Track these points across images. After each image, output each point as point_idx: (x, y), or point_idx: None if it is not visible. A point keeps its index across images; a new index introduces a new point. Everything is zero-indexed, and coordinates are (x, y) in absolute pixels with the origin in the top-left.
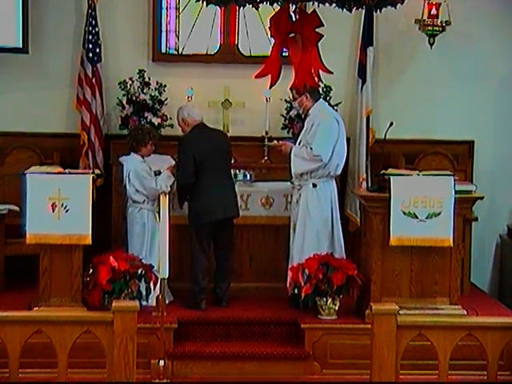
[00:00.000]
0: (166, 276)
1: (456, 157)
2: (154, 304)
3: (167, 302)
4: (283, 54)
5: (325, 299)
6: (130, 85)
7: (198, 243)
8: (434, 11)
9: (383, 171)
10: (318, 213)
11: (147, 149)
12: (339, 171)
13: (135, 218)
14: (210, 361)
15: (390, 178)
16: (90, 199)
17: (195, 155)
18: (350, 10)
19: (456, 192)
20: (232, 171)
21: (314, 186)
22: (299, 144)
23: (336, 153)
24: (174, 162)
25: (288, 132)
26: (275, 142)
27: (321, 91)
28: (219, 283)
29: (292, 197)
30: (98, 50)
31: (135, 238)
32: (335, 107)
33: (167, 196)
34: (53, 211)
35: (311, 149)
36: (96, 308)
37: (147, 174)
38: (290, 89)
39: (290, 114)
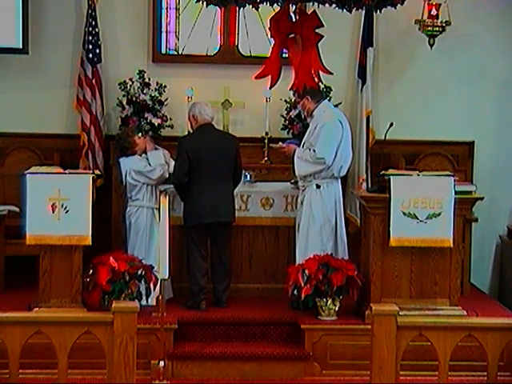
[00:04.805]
0: (166, 276)
1: (456, 157)
2: (154, 304)
3: (166, 298)
4: (283, 54)
5: (325, 300)
6: (130, 85)
7: (192, 243)
8: (434, 12)
9: (383, 172)
10: (321, 213)
11: (139, 145)
12: (343, 172)
13: (133, 217)
14: (210, 361)
15: (389, 179)
16: (89, 200)
17: (190, 155)
18: (350, 11)
19: (456, 192)
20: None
21: (318, 186)
22: (303, 146)
23: (340, 155)
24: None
25: (288, 133)
26: (280, 143)
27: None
28: (216, 285)
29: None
30: (97, 51)
31: (133, 236)
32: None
33: (167, 196)
34: (53, 212)
35: (314, 151)
36: (96, 309)
37: (150, 167)
38: (293, 92)
39: (290, 114)
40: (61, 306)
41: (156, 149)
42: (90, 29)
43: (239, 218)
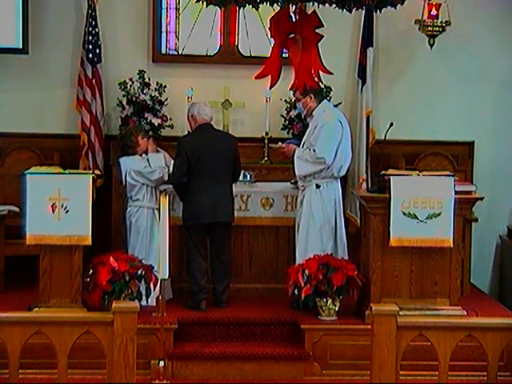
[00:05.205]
0: (166, 276)
1: (456, 157)
2: (154, 304)
3: (166, 298)
4: (283, 54)
5: (325, 300)
6: (130, 85)
7: (191, 244)
8: (434, 12)
9: (383, 172)
10: (321, 213)
11: (141, 145)
12: (343, 172)
13: (134, 217)
14: (209, 361)
15: (389, 179)
16: (89, 200)
17: (189, 155)
18: (350, 11)
19: (456, 192)
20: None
21: (318, 186)
22: (303, 146)
23: (339, 154)
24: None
25: (288, 133)
26: (280, 143)
27: None
28: (215, 285)
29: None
30: (97, 51)
31: (134, 237)
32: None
33: (167, 196)
34: (53, 212)
35: (314, 151)
36: (96, 309)
37: (150, 169)
38: (294, 90)
39: (290, 114)
40: (61, 306)
41: (157, 151)
42: (90, 29)
43: (239, 218)
